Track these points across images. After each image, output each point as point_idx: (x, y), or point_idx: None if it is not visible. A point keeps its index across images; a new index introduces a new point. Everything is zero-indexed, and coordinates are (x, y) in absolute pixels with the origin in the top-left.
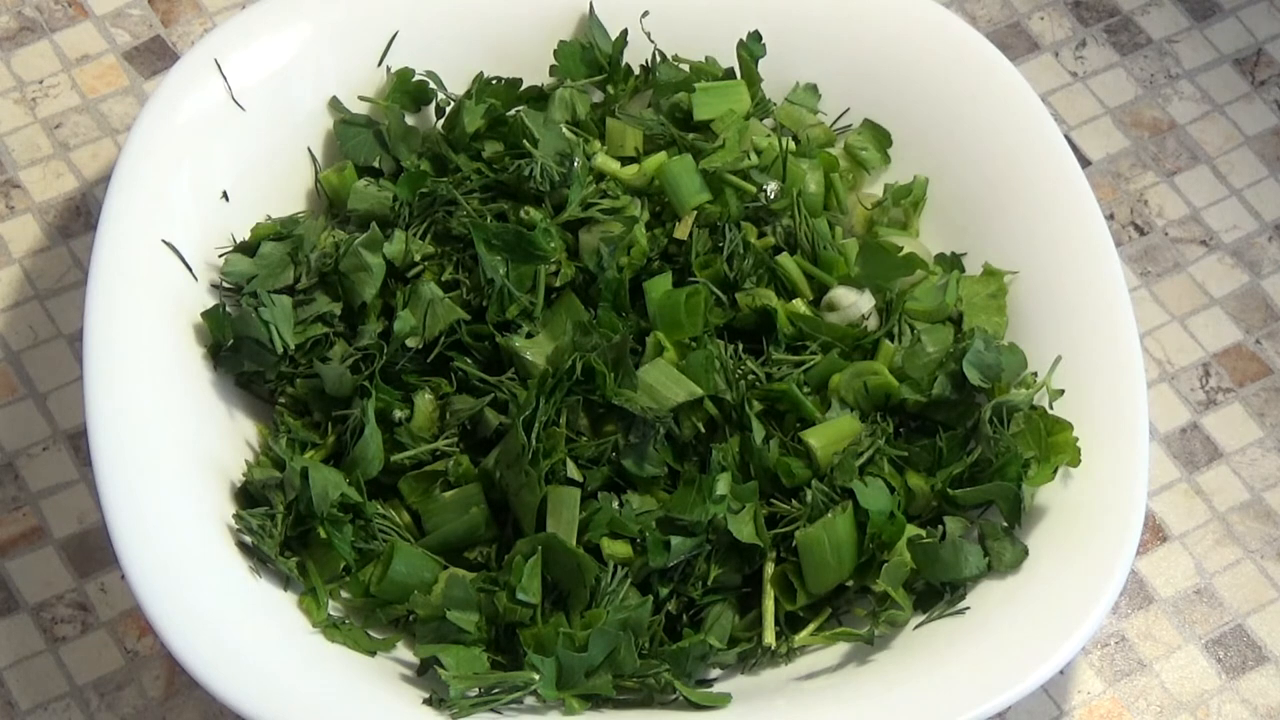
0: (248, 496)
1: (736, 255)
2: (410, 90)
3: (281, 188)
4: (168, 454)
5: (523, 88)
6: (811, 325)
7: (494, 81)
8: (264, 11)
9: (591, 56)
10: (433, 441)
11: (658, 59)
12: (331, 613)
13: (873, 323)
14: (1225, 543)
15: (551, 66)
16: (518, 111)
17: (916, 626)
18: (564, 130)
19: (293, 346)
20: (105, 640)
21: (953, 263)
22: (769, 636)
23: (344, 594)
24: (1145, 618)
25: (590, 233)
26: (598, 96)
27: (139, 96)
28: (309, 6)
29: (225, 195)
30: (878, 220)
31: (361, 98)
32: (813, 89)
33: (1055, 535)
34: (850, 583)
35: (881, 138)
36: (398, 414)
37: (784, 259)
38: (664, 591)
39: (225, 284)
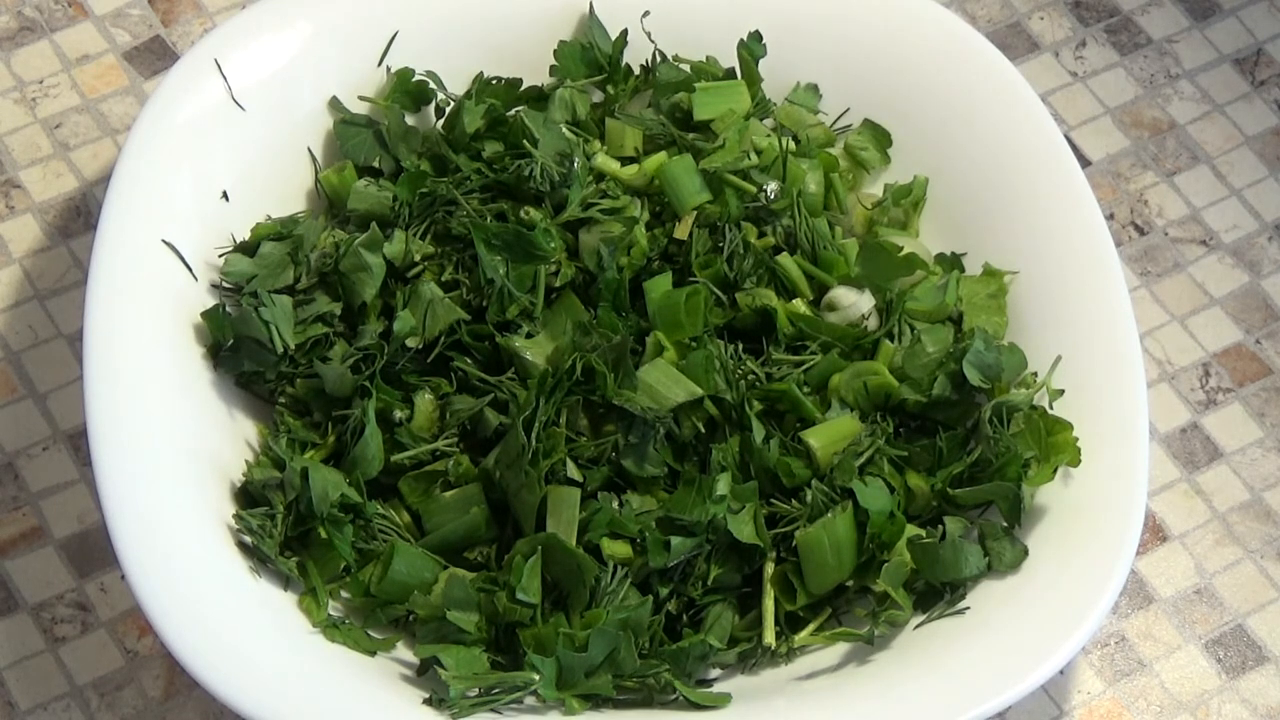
0: (248, 496)
1: (736, 255)
2: (410, 90)
3: (281, 188)
4: (168, 454)
5: (523, 88)
6: (811, 325)
7: (494, 81)
8: (264, 11)
9: (591, 56)
10: (433, 441)
11: (658, 59)
12: (331, 613)
13: (873, 323)
14: (1225, 543)
15: (551, 66)
16: (518, 111)
17: (916, 626)
18: (564, 130)
19: (293, 346)
20: (105, 640)
21: (953, 263)
22: (769, 636)
23: (344, 594)
24: (1145, 618)
25: (590, 233)
26: (598, 96)
27: (139, 96)
28: (309, 6)
29: (225, 195)
30: (878, 220)
31: (361, 98)
32: (813, 89)
33: (1055, 535)
34: (850, 583)
35: (881, 138)
36: (398, 414)
37: (784, 259)
38: (664, 591)
39: (225, 284)
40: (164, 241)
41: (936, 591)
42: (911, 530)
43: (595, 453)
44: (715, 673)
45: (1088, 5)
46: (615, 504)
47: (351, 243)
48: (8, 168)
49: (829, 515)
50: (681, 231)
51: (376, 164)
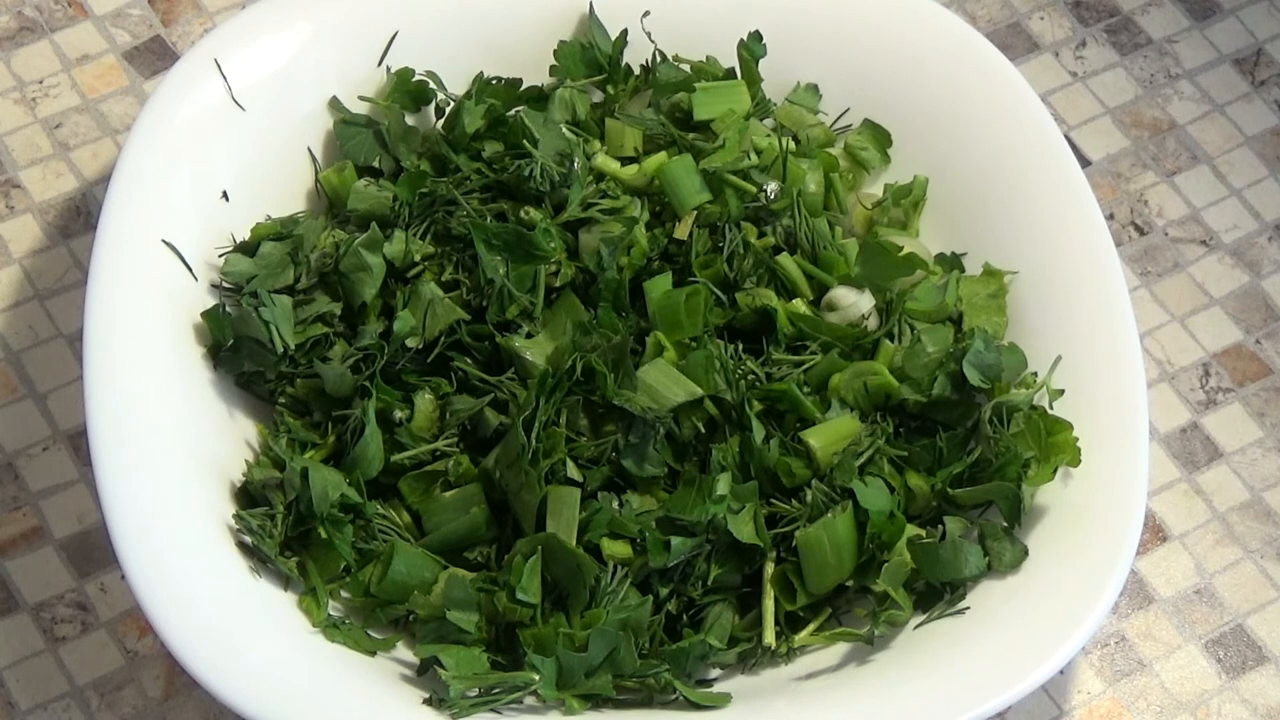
0: (248, 496)
1: (736, 255)
2: (410, 90)
3: (281, 188)
4: (168, 454)
5: (523, 88)
6: (811, 325)
7: (494, 81)
8: (264, 11)
9: (591, 56)
10: (433, 441)
11: (658, 59)
12: (331, 613)
13: (873, 323)
14: (1225, 543)
15: (551, 66)
16: (518, 111)
17: (916, 626)
18: (564, 130)
19: (293, 346)
20: (105, 640)
21: (953, 263)
22: (769, 636)
23: (344, 594)
24: (1145, 618)
25: (590, 233)
26: (598, 96)
27: (139, 96)
28: (309, 6)
29: (225, 195)
30: (878, 220)
31: (361, 98)
32: (813, 89)
33: (1055, 535)
34: (850, 583)
35: (881, 138)
36: (398, 414)
37: (784, 259)
38: (664, 591)
39: (225, 284)
40: (164, 241)
41: (936, 591)
42: (911, 530)
43: (595, 453)
44: (715, 673)
45: (1088, 5)
46: (615, 504)
47: (351, 243)
48: (8, 168)
49: (829, 515)
50: (681, 231)
51: (376, 164)
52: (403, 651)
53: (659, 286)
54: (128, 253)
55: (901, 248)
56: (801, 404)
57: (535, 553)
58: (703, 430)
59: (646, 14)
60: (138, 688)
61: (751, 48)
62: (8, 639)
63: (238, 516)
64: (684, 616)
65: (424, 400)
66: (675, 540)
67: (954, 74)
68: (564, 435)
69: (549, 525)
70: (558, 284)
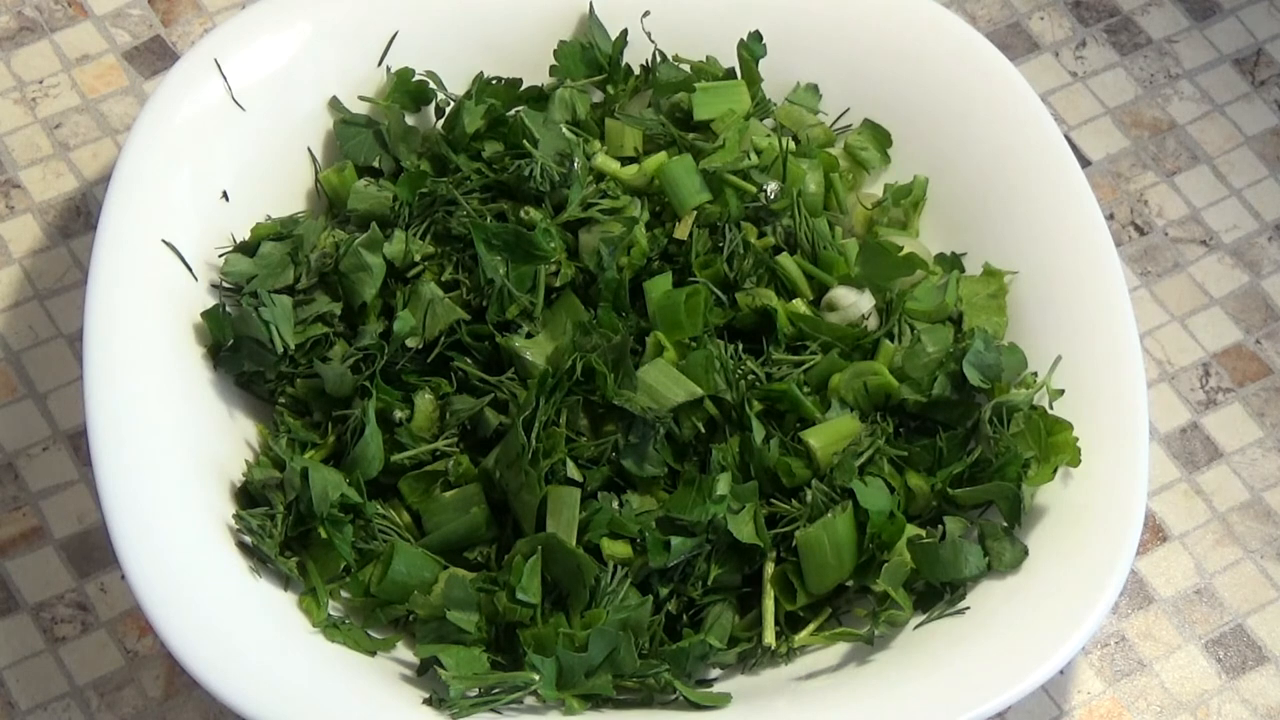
0: (248, 496)
1: (736, 255)
2: (410, 90)
3: (281, 188)
4: (168, 454)
5: (523, 88)
6: (811, 325)
7: (494, 81)
8: (264, 11)
9: (591, 56)
10: (433, 441)
11: (658, 59)
12: (331, 613)
13: (873, 323)
14: (1225, 543)
15: (551, 66)
16: (518, 111)
17: (916, 626)
18: (564, 130)
19: (293, 346)
20: (105, 640)
21: (953, 263)
22: (769, 636)
23: (344, 594)
24: (1145, 618)
25: (590, 233)
26: (598, 96)
27: (139, 96)
28: (309, 6)
29: (225, 195)
30: (878, 220)
31: (361, 98)
32: (813, 89)
33: (1055, 535)
34: (850, 583)
35: (881, 138)
36: (398, 414)
37: (784, 259)
38: (664, 591)
39: (225, 284)
40: (164, 241)
41: (936, 591)
42: (911, 530)
43: (595, 453)
44: (715, 673)
45: (1088, 5)
46: (615, 504)
47: (351, 243)
48: (8, 168)
49: (829, 515)
50: (681, 231)
51: (376, 164)
52: (403, 651)
53: (659, 286)
54: (128, 253)
55: (901, 248)
56: (801, 404)
57: (535, 553)
58: (703, 430)
59: (646, 14)
60: (138, 688)
61: (751, 48)
62: (8, 639)
63: (238, 516)
64: (684, 616)
65: (424, 400)
66: (675, 540)
67: (954, 74)
68: (564, 435)
69: (549, 525)
70: (558, 284)
